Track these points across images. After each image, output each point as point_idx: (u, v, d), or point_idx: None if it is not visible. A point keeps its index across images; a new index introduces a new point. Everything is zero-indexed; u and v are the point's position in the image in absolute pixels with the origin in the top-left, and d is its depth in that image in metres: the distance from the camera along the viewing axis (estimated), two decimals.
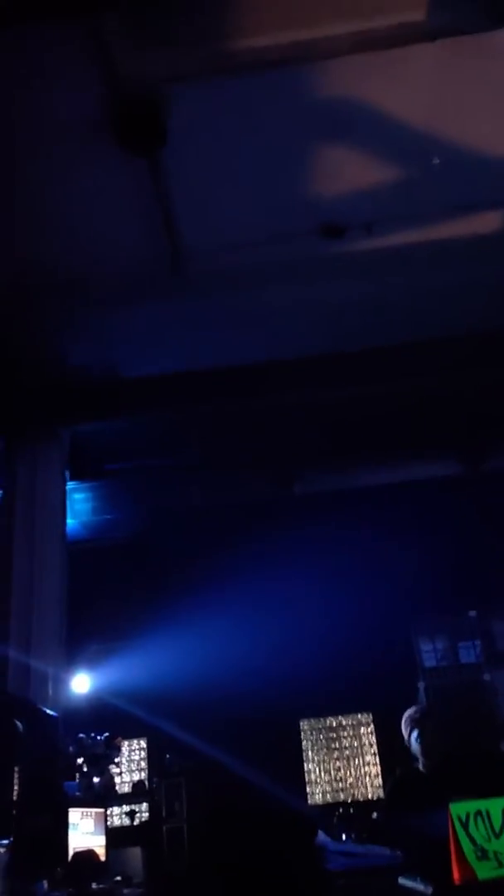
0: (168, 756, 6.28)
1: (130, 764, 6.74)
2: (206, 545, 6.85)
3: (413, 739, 3.77)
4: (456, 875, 1.99)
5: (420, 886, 2.11)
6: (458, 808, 2.11)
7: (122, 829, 5.63)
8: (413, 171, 4.18)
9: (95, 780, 5.13)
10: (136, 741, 6.82)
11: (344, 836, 3.48)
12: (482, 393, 6.08)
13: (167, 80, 3.51)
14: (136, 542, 6.93)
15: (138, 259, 4.62)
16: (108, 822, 4.65)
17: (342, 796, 6.76)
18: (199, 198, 4.24)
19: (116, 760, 5.53)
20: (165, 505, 7.09)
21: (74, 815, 4.24)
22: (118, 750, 5.48)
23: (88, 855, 4.01)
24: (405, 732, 3.83)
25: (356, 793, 6.76)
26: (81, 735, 5.32)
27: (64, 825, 4.05)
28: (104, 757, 5.18)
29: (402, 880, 2.29)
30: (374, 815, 3.22)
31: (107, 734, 5.33)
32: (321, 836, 2.92)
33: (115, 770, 5.58)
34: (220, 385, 5.70)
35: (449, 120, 3.90)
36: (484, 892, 1.95)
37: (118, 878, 4.38)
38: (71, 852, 4.01)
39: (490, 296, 5.14)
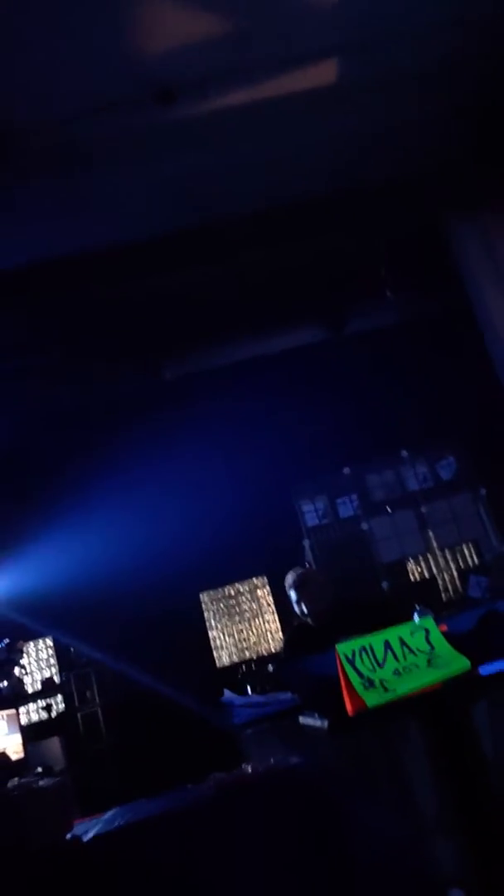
0: (72, 649, 6.42)
1: (40, 663, 6.86)
2: (83, 445, 6.69)
3: (294, 604, 4.03)
4: (348, 706, 2.17)
5: (318, 722, 2.29)
6: (343, 647, 2.27)
7: (39, 723, 5.80)
8: (241, 22, 3.92)
9: (3, 684, 5.20)
10: (41, 641, 6.92)
11: (249, 690, 3.71)
12: (337, 256, 6.09)
13: None
14: (7, 450, 6.68)
15: None
16: (27, 720, 4.77)
17: (247, 654, 7.21)
18: (13, 64, 3.82)
19: (22, 663, 5.60)
20: (32, 409, 6.81)
21: None
22: (20, 653, 5.54)
23: None
24: (290, 597, 4.07)
25: (260, 649, 7.23)
26: None
27: None
28: (7, 661, 5.24)
29: (302, 719, 2.48)
30: (270, 667, 3.44)
31: (7, 640, 5.35)
32: (227, 693, 3.10)
33: (22, 672, 5.66)
34: (70, 277, 5.37)
35: None
36: (373, 718, 2.13)
37: (39, 769, 4.52)
38: None
39: (336, 154, 5.03)
